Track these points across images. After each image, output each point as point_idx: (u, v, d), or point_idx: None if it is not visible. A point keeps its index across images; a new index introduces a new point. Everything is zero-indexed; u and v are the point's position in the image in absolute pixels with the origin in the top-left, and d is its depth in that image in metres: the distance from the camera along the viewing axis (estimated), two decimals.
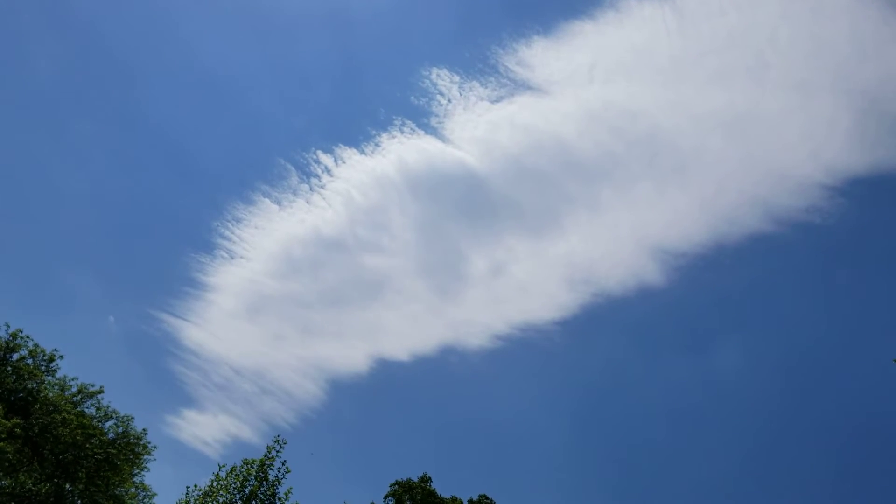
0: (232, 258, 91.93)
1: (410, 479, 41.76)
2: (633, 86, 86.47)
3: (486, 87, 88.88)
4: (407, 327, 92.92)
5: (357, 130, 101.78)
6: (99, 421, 43.09)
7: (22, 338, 42.27)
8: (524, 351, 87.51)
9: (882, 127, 71.80)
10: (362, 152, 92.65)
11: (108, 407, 43.92)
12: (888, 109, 71.79)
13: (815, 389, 73.60)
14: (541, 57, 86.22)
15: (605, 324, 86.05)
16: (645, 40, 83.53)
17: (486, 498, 41.38)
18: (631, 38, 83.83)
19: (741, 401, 78.43)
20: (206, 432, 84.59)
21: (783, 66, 79.59)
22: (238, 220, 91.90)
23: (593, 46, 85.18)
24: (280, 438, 29.00)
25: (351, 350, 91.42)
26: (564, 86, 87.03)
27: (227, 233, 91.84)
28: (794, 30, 78.72)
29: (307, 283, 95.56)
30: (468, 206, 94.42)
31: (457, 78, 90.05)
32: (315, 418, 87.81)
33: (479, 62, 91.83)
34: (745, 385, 78.45)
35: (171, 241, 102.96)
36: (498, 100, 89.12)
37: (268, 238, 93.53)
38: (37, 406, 39.17)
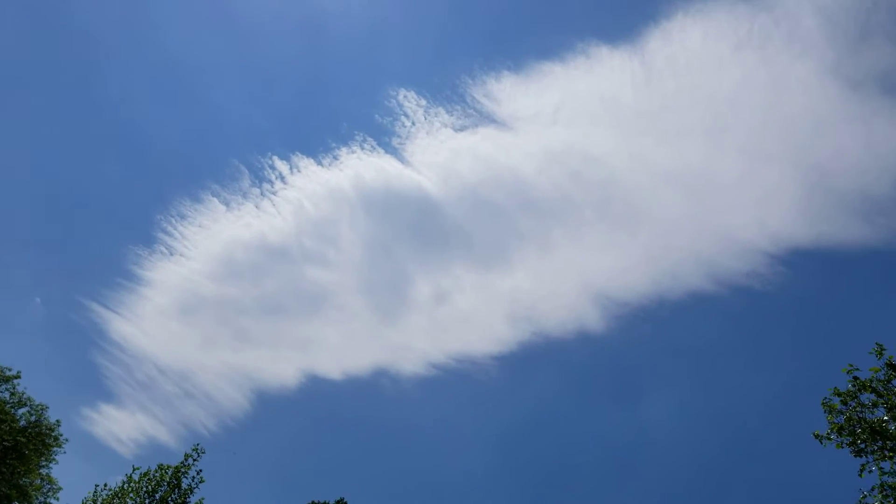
0: (171, 254, 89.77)
1: (327, 502, 40.77)
2: (595, 132, 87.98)
3: (452, 115, 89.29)
4: (343, 345, 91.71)
5: (317, 141, 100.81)
6: (12, 407, 41.18)
7: None
8: (458, 382, 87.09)
9: (829, 202, 74.30)
10: (319, 163, 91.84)
11: (22, 393, 42.03)
12: (836, 186, 74.38)
13: (739, 451, 74.87)
14: (508, 92, 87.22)
15: (542, 363, 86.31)
16: (611, 89, 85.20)
17: None
18: (598, 86, 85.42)
19: (666, 454, 79.33)
20: (122, 430, 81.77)
21: (740, 131, 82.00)
22: (183, 217, 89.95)
23: (561, 89, 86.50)
24: (199, 447, 28.08)
25: (282, 362, 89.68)
26: (528, 123, 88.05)
27: (170, 228, 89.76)
28: (754, 98, 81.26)
29: (246, 288, 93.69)
30: (420, 230, 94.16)
31: (423, 102, 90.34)
32: (237, 428, 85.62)
33: (447, 89, 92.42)
34: (672, 439, 79.40)
35: (111, 230, 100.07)
36: (462, 128, 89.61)
37: (211, 238, 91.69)
38: None
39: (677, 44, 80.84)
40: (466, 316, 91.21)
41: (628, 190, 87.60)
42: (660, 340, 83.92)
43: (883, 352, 21.14)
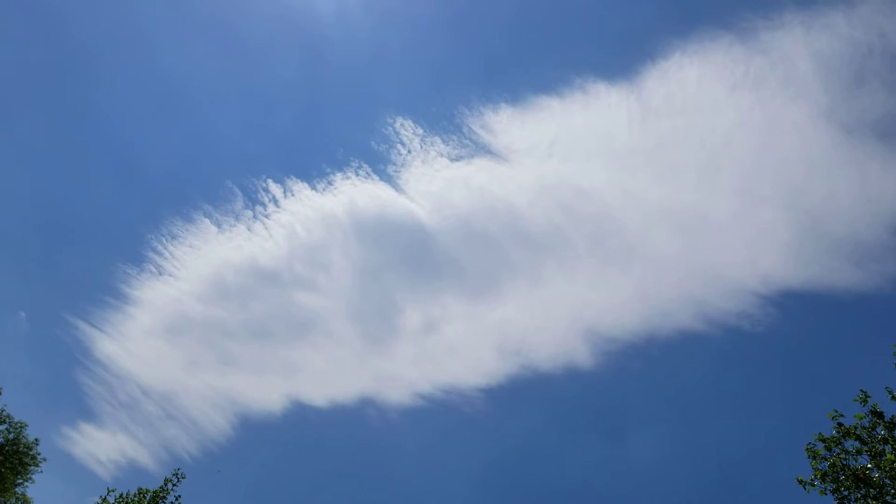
0: (160, 274, 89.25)
1: None
2: (590, 167, 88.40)
3: (448, 145, 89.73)
4: (329, 372, 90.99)
5: (312, 165, 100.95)
6: None
7: None
8: (444, 413, 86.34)
9: (820, 245, 74.55)
10: (313, 188, 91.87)
11: (2, 410, 41.47)
12: (828, 230, 74.69)
13: (723, 494, 74.21)
14: (505, 124, 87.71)
15: (529, 397, 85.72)
16: (607, 125, 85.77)
17: None
18: (594, 121, 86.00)
19: (650, 493, 78.54)
20: (102, 450, 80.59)
21: (734, 172, 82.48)
22: (174, 237, 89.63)
23: (557, 123, 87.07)
24: (179, 472, 27.75)
25: (267, 387, 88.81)
26: (524, 156, 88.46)
27: (160, 247, 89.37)
28: (748, 139, 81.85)
29: (234, 311, 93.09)
30: (411, 258, 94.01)
31: (420, 130, 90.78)
32: (218, 453, 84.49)
33: (444, 119, 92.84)
34: (656, 478, 78.69)
35: (101, 247, 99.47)
36: (457, 158, 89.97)
37: (201, 259, 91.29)
38: None
39: (674, 83, 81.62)
40: (455, 347, 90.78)
41: (621, 226, 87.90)
42: (648, 378, 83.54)
43: (868, 399, 21.08)
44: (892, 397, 20.92)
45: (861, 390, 21.13)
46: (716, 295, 77.45)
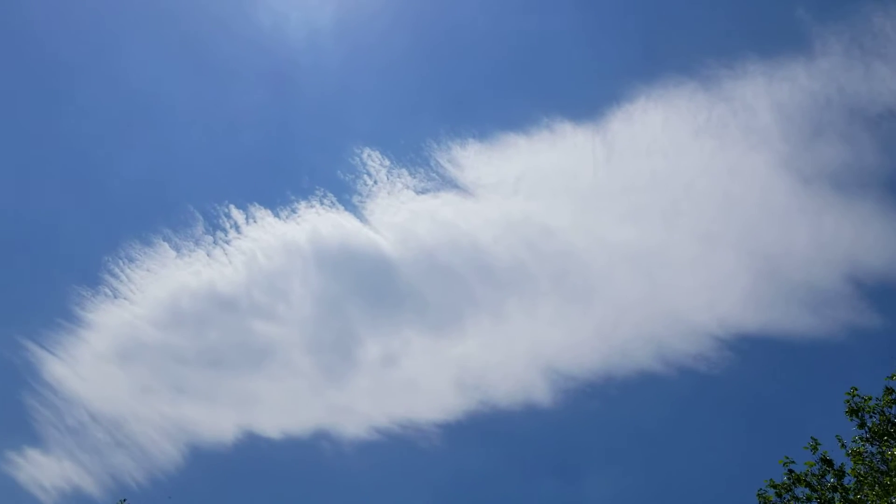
0: (115, 297, 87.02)
1: None
2: (555, 205, 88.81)
3: (415, 177, 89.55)
4: (285, 403, 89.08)
5: (276, 192, 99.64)
6: None
7: None
8: (401, 448, 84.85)
9: (777, 291, 75.46)
10: (277, 215, 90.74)
11: None
12: (785, 276, 75.69)
13: None
14: (472, 159, 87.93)
15: (487, 434, 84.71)
16: (573, 165, 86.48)
17: None
18: (560, 160, 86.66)
19: None
20: (46, 476, 77.44)
21: (695, 215, 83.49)
22: (131, 260, 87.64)
23: (524, 160, 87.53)
24: (125, 503, 26.73)
25: (220, 417, 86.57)
26: (490, 191, 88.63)
27: (117, 270, 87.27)
28: (710, 184, 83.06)
29: (189, 338, 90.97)
30: (373, 290, 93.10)
31: (387, 162, 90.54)
32: (167, 483, 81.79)
33: (412, 151, 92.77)
34: None
35: (54, 267, 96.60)
36: (423, 191, 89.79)
37: (158, 284, 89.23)
38: None
39: (639, 126, 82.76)
40: (414, 381, 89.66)
41: (584, 265, 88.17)
42: (606, 417, 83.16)
43: (818, 446, 20.98)
44: (842, 445, 20.84)
45: (812, 437, 21.04)
46: (674, 337, 77.83)
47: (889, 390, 20.46)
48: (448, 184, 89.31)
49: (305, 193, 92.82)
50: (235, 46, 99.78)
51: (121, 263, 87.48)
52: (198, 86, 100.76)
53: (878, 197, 73.52)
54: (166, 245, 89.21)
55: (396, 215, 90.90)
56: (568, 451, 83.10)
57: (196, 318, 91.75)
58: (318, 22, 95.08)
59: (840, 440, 21.00)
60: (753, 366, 77.25)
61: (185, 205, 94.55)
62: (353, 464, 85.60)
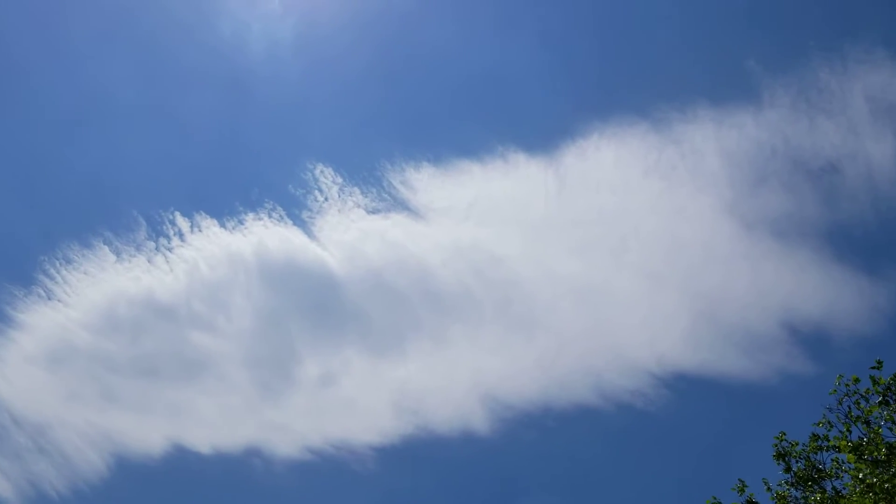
0: (49, 299, 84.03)
1: None
2: (505, 233, 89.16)
3: (366, 196, 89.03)
4: (217, 418, 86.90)
5: (224, 202, 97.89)
6: None
7: None
8: (334, 470, 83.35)
9: (715, 333, 76.82)
10: (223, 226, 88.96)
11: None
12: (722, 318, 77.13)
13: None
14: (426, 183, 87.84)
15: (421, 460, 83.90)
16: (524, 195, 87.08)
17: None
18: (512, 190, 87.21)
19: None
20: None
21: (641, 254, 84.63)
22: (68, 261, 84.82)
23: (476, 187, 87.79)
24: None
25: (149, 428, 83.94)
26: (441, 215, 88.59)
27: (52, 271, 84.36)
28: (657, 225, 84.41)
29: (123, 345, 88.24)
30: (316, 307, 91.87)
31: (340, 179, 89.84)
32: (90, 494, 78.75)
33: (365, 170, 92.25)
34: None
35: None
36: (374, 211, 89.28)
37: (95, 287, 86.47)
38: None
39: (591, 161, 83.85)
40: (351, 402, 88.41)
41: (529, 295, 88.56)
42: (542, 448, 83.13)
43: (745, 488, 21.16)
44: (768, 488, 21.07)
45: (739, 479, 21.22)
46: (613, 371, 78.47)
47: (815, 437, 20.76)
48: (399, 205, 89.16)
49: (254, 205, 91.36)
50: (194, 51, 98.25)
51: (57, 264, 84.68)
52: (152, 88, 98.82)
53: (816, 247, 75.77)
54: (106, 248, 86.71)
55: (346, 233, 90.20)
56: (503, 480, 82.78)
57: (132, 326, 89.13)
58: (279, 34, 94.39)
59: (766, 483, 21.29)
60: (688, 405, 78.38)
61: (129, 209, 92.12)
62: (284, 483, 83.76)
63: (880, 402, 19.55)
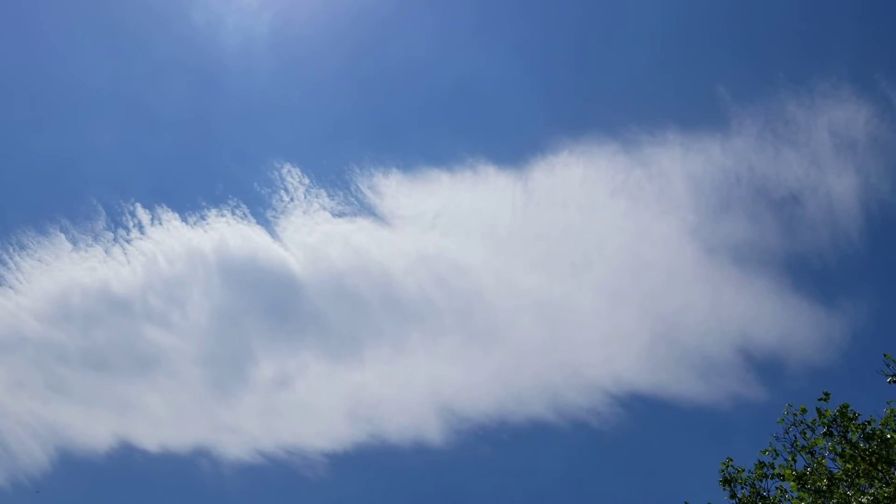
0: (0, 285, 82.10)
1: None
2: (470, 245, 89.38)
3: (333, 199, 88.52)
4: (166, 415, 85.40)
5: (186, 196, 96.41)
6: None
7: None
8: (283, 475, 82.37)
9: (671, 354, 77.66)
10: (184, 220, 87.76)
11: None
12: (680, 340, 78.05)
13: None
14: (393, 189, 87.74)
15: (373, 468, 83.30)
16: (491, 207, 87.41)
17: None
18: (480, 201, 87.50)
19: None
20: None
21: (603, 272, 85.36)
22: (22, 247, 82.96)
23: (444, 197, 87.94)
24: None
25: (96, 422, 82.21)
26: (406, 223, 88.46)
27: (5, 256, 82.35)
28: (620, 244, 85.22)
29: (74, 335, 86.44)
30: (276, 308, 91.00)
31: (307, 180, 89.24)
32: (30, 487, 76.77)
33: (333, 173, 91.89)
34: None
35: None
36: (340, 214, 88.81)
37: (48, 276, 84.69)
38: None
39: (559, 178, 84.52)
40: (306, 406, 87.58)
41: (490, 307, 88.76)
42: (495, 462, 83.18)
43: None
44: None
45: (686, 502, 21.23)
46: (570, 388, 78.84)
47: (761, 464, 20.83)
48: (366, 210, 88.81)
49: (217, 201, 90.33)
50: (165, 41, 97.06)
51: (10, 250, 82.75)
52: (121, 76, 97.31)
53: (774, 276, 77.09)
54: (63, 236, 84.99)
55: (309, 235, 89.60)
56: (455, 492, 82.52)
57: (84, 317, 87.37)
58: (254, 29, 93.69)
59: None
60: (641, 425, 78.96)
61: (89, 197, 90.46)
62: (232, 486, 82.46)
63: (825, 434, 19.69)
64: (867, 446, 18.94)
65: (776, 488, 21.07)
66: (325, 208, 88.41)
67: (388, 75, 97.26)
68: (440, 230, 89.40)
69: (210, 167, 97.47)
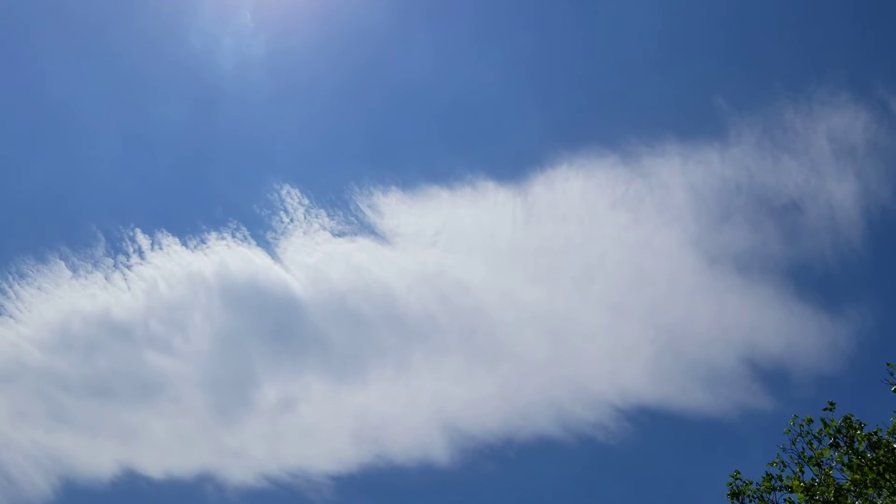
0: (0, 314, 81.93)
1: None
2: (471, 261, 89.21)
3: (333, 219, 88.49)
4: (171, 442, 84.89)
5: (186, 220, 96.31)
6: None
7: None
8: (289, 499, 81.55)
9: (676, 366, 77.21)
10: (184, 244, 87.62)
11: None
12: (685, 352, 77.69)
13: None
14: (393, 207, 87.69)
15: (379, 489, 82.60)
16: (492, 223, 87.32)
17: None
18: (480, 217, 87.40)
19: None
20: None
21: (605, 285, 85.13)
22: (22, 276, 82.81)
23: (444, 214, 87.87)
24: None
25: (99, 451, 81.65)
26: (407, 241, 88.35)
27: (5, 285, 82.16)
28: (622, 256, 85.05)
29: (76, 364, 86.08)
30: (277, 330, 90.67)
31: (306, 201, 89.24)
32: None
33: (332, 193, 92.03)
34: None
35: None
36: (340, 234, 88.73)
37: (49, 304, 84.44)
38: None
39: (559, 192, 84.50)
40: (310, 429, 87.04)
41: (493, 324, 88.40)
42: (502, 480, 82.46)
43: None
44: None
45: None
46: (576, 403, 78.36)
47: (769, 476, 20.59)
48: (366, 229, 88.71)
49: (217, 224, 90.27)
50: (161, 65, 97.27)
51: (10, 279, 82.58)
52: (118, 101, 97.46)
53: (778, 284, 76.85)
54: (62, 264, 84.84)
55: (310, 256, 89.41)
56: None
57: (85, 344, 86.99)
58: (250, 51, 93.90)
59: None
60: (649, 438, 78.39)
61: (88, 223, 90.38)
62: None
63: (831, 445, 19.47)
64: (874, 455, 18.74)
65: (784, 500, 20.85)
66: (325, 228, 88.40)
67: (386, 93, 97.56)
68: (441, 247, 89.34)
69: (209, 190, 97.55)
